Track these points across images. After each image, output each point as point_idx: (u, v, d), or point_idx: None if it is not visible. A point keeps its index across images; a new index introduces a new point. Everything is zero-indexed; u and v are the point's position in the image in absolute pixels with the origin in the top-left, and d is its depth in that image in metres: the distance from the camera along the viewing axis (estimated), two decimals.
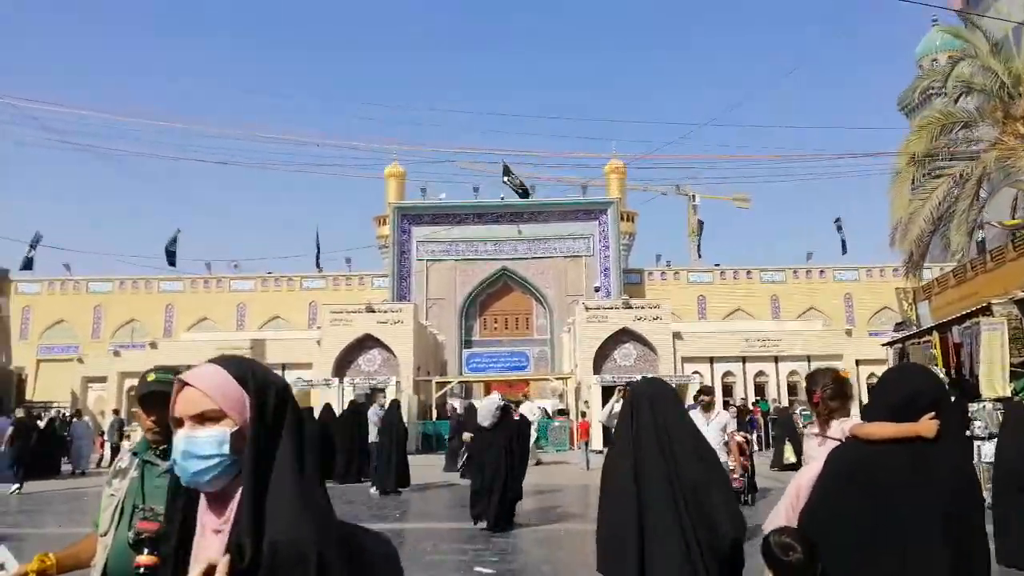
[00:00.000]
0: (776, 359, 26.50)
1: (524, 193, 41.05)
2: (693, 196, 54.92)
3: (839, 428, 3.48)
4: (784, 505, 3.32)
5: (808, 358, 26.44)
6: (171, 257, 42.12)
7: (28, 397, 34.63)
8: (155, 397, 3.02)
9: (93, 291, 43.13)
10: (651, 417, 2.85)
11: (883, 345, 20.02)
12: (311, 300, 41.32)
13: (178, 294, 43.01)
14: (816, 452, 3.49)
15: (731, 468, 10.36)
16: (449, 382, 28.33)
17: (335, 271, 44.15)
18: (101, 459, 21.32)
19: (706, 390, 9.10)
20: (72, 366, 31.78)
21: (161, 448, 3.07)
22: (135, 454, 3.15)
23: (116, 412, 22.93)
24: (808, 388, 3.86)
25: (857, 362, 26.45)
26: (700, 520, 2.67)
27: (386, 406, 16.92)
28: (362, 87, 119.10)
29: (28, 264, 43.21)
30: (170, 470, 2.99)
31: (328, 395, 23.38)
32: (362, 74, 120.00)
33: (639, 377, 20.06)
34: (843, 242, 42.40)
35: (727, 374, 26.56)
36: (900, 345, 17.86)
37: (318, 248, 45.00)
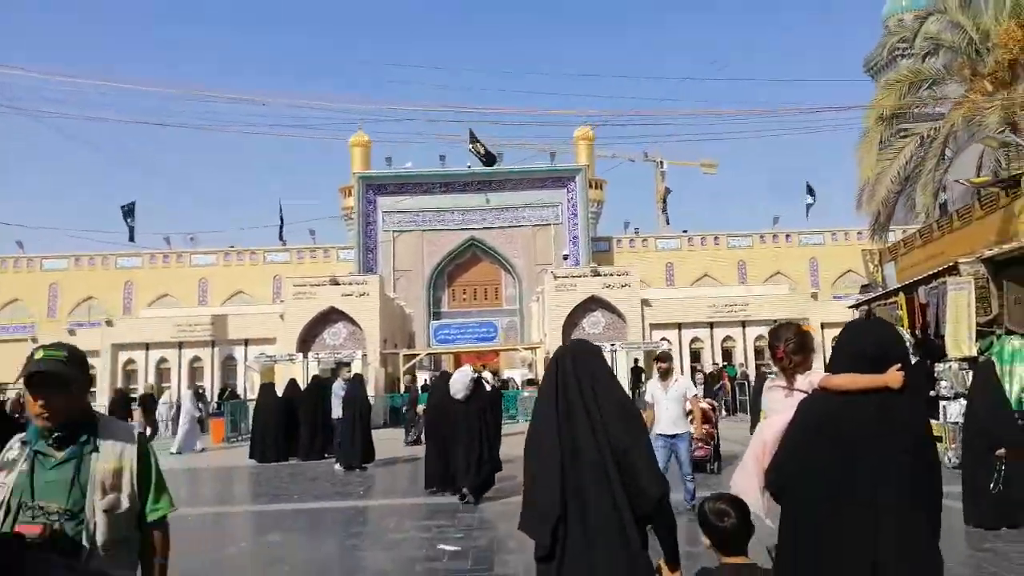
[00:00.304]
0: (743, 324, 26.50)
1: (491, 160, 40.29)
2: (661, 162, 54.75)
3: (805, 381, 3.46)
4: (750, 459, 3.32)
5: (775, 322, 26.36)
6: (130, 232, 40.89)
7: None
8: (44, 378, 2.56)
9: (48, 268, 41.75)
10: (575, 377, 2.75)
11: (849, 307, 20.02)
12: (275, 274, 40.42)
13: (137, 270, 41.82)
14: (780, 405, 3.48)
15: (695, 437, 9.83)
16: (417, 355, 27.91)
17: (299, 244, 43.29)
18: None
19: (663, 356, 8.65)
20: (26, 346, 30.78)
21: (55, 436, 2.62)
22: (24, 443, 2.69)
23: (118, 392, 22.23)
24: (771, 344, 3.83)
25: (822, 325, 26.55)
26: (626, 479, 2.61)
27: (351, 380, 16.46)
28: (319, 51, 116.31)
29: None
30: (66, 461, 2.41)
31: (293, 370, 22.87)
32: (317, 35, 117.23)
33: (608, 345, 19.70)
34: (807, 206, 42.60)
35: (695, 340, 26.52)
36: (866, 307, 17.81)
37: (281, 220, 44.05)
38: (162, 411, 25.43)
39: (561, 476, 2.64)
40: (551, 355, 3.34)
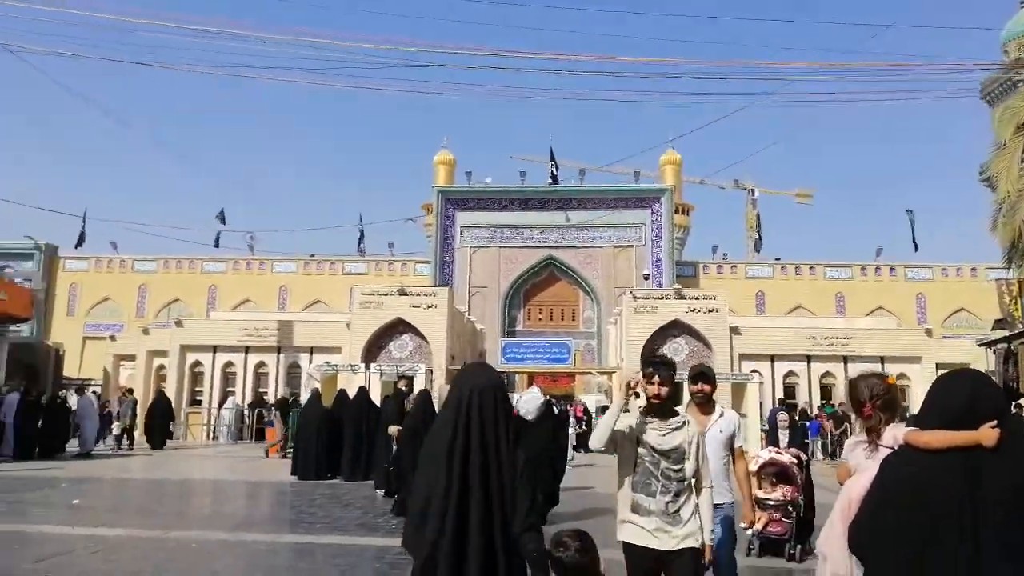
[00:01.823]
0: (845, 359, 23.52)
1: (554, 180, 38.99)
2: (752, 190, 51.86)
3: (890, 435, 3.09)
4: (837, 517, 3.15)
5: (881, 359, 23.39)
6: (217, 238, 41.29)
7: (67, 374, 33.90)
8: None
9: (138, 270, 42.47)
10: (477, 406, 2.88)
11: (980, 345, 17.08)
12: (352, 284, 39.66)
13: (220, 275, 42.01)
14: (864, 464, 3.17)
15: (762, 503, 7.18)
16: None
17: (377, 256, 42.59)
18: (118, 442, 19.90)
19: (701, 374, 4.79)
20: (105, 344, 30.82)
21: None
22: None
23: (130, 392, 21.46)
24: (854, 396, 3.37)
25: (937, 366, 23.32)
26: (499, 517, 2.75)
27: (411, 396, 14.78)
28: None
29: (81, 240, 42.87)
30: None
31: (355, 381, 21.47)
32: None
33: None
34: (914, 239, 38.81)
35: (789, 374, 23.71)
36: (1005, 345, 14.95)
37: (361, 232, 43.56)
38: (225, 416, 24.61)
39: (445, 507, 2.77)
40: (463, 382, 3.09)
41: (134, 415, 20.32)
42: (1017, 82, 47.82)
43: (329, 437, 14.21)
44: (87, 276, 42.48)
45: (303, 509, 10.48)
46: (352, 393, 15.35)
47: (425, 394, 11.29)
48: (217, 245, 41.20)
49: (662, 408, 3.65)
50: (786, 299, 38.13)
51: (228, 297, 40.59)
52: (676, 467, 3.53)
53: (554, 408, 11.43)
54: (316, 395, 15.04)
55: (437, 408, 12.80)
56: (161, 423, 20.93)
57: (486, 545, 2.70)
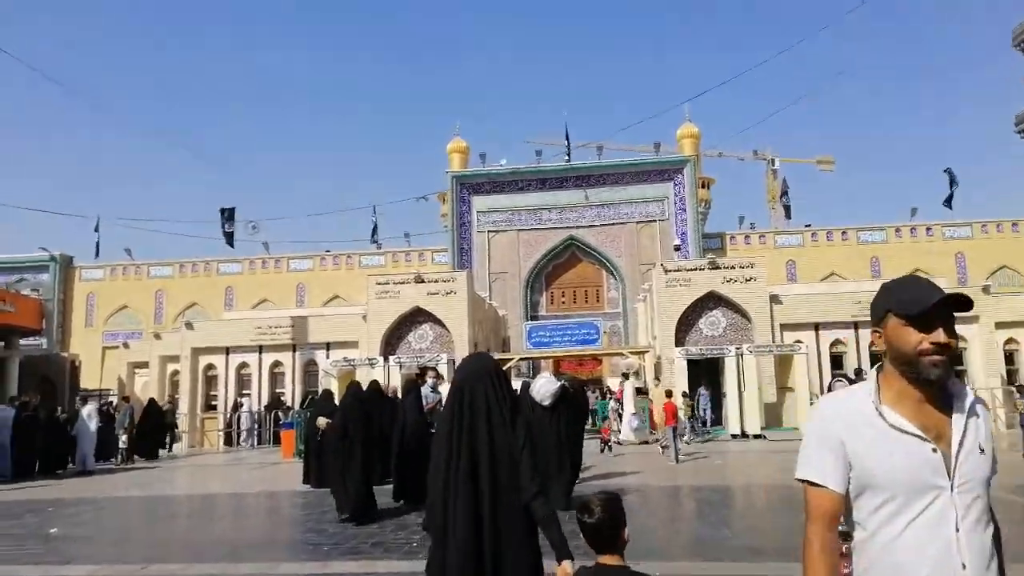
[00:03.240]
0: None
1: (570, 159, 37.05)
2: (772, 160, 49.64)
3: None
4: None
5: None
6: (228, 237, 39.72)
7: (87, 385, 32.79)
8: None
9: (154, 276, 41.24)
10: (469, 397, 3.07)
11: None
12: (370, 277, 38.14)
13: (237, 276, 40.66)
14: None
15: None
16: (511, 359, 24.43)
17: (394, 247, 41.00)
18: (121, 455, 18.41)
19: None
20: (118, 352, 29.57)
21: None
22: None
23: (126, 400, 19.95)
24: None
25: (996, 325, 21.26)
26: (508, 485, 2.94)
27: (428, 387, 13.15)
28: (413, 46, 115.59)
29: (96, 249, 41.71)
30: None
31: (374, 376, 19.87)
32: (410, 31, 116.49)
33: (732, 349, 15.63)
34: (950, 196, 36.27)
35: (836, 343, 21.72)
36: None
37: (375, 223, 41.90)
38: (244, 420, 23.17)
39: (444, 484, 3.00)
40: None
41: (132, 425, 18.85)
42: None
43: (343, 436, 12.58)
44: (103, 285, 41.36)
45: (310, 526, 8.82)
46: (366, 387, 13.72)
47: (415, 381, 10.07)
48: (232, 244, 39.70)
49: None
50: (819, 266, 36.00)
51: (245, 297, 39.29)
52: None
53: (569, 392, 10.44)
54: (327, 393, 13.37)
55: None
56: (153, 432, 19.37)
57: (483, 518, 2.91)
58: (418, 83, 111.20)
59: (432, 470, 3.09)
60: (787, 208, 41.70)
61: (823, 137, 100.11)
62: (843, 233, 37.22)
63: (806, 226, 38.09)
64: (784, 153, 49.86)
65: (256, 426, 22.83)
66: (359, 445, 9.04)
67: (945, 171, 35.64)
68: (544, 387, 9.55)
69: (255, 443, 22.49)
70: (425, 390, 15.03)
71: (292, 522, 9.51)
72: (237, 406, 22.85)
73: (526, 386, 10.56)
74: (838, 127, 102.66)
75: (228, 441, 22.50)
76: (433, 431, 9.46)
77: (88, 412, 16.48)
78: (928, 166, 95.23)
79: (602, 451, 15.59)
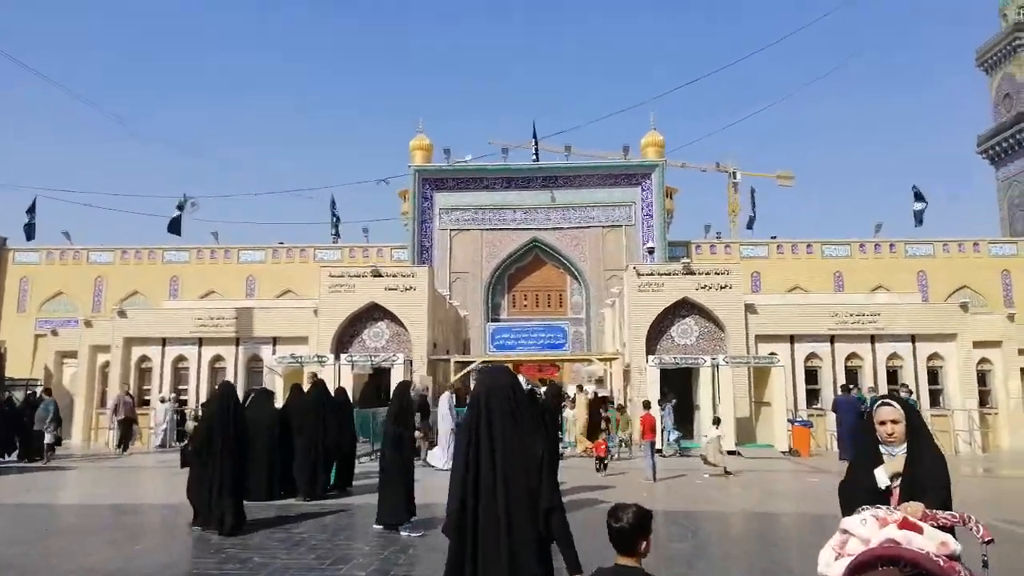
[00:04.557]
0: (872, 338, 20.48)
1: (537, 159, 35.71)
2: (734, 173, 49.14)
3: None
4: None
5: (912, 337, 20.43)
6: (174, 225, 37.09)
7: (16, 375, 29.96)
8: None
9: (94, 262, 38.33)
10: (486, 409, 3.20)
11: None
12: (323, 269, 35.99)
13: (184, 265, 38.04)
14: None
15: None
16: (471, 362, 22.76)
17: (351, 242, 38.93)
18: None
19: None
20: (46, 340, 26.94)
21: None
22: None
23: (48, 393, 17.63)
24: None
25: (974, 344, 20.43)
26: (527, 501, 3.06)
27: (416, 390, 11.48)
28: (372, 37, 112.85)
29: (30, 232, 38.68)
30: None
31: (323, 374, 17.99)
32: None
33: (708, 359, 14.40)
34: (916, 213, 35.91)
35: (811, 356, 20.60)
36: None
37: (335, 217, 39.82)
38: (161, 414, 20.74)
39: (464, 496, 3.15)
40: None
41: (58, 422, 16.61)
42: (1017, 47, 45.35)
43: (283, 444, 10.77)
44: (38, 269, 38.30)
45: (232, 555, 7.00)
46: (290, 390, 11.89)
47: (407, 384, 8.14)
48: (179, 232, 37.05)
49: None
50: (783, 279, 35.22)
51: (192, 288, 36.75)
52: None
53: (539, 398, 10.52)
54: (265, 392, 11.52)
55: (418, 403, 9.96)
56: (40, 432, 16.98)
57: (500, 524, 3.04)
58: (383, 80, 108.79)
59: (451, 479, 3.28)
60: (751, 219, 41.02)
61: (785, 151, 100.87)
62: (808, 246, 36.56)
63: (772, 238, 37.35)
64: (745, 167, 49.43)
65: (177, 424, 20.51)
66: (223, 456, 8.20)
67: (913, 187, 35.32)
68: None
69: (170, 444, 19.95)
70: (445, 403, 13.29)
71: (194, 549, 7.63)
72: (162, 401, 20.54)
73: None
74: (801, 142, 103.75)
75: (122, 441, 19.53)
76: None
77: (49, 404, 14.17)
78: (891, 183, 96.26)
79: (598, 470, 13.49)
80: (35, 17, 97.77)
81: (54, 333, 26.51)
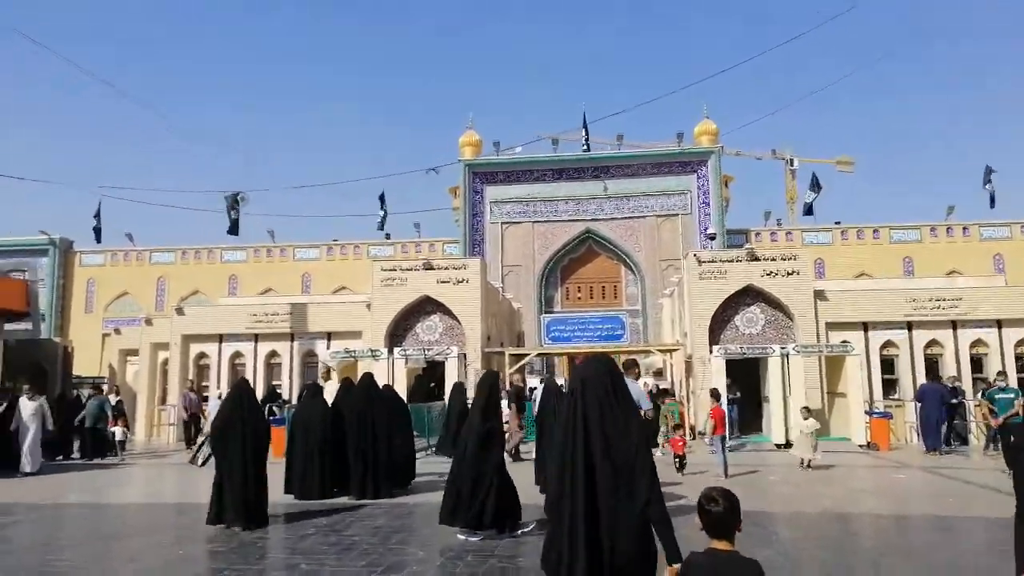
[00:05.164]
0: (954, 324, 19.01)
1: (588, 149, 34.58)
2: (791, 160, 47.27)
3: None
4: None
5: (998, 323, 18.88)
6: (233, 227, 37.48)
7: (84, 372, 30.64)
8: None
9: (156, 262, 39.11)
10: (584, 399, 3.26)
11: None
12: (376, 263, 35.84)
13: (241, 264, 38.47)
14: None
15: None
16: (526, 354, 22.08)
17: (404, 238, 38.70)
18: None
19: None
20: (110, 340, 27.36)
21: None
22: None
23: (98, 390, 17.62)
24: None
25: None
26: (624, 489, 3.11)
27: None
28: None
29: (98, 235, 39.63)
30: None
31: (376, 369, 17.60)
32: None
33: (777, 349, 13.55)
34: (991, 195, 33.67)
35: (887, 344, 19.24)
36: None
37: (384, 212, 39.60)
38: (212, 410, 20.55)
39: (571, 487, 3.22)
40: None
41: (107, 416, 16.54)
42: None
43: (335, 441, 10.28)
44: (104, 271, 39.29)
45: (277, 560, 6.46)
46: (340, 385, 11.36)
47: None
48: (236, 232, 37.39)
49: None
50: (848, 265, 33.51)
51: (250, 286, 37.09)
52: None
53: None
54: (315, 387, 11.04)
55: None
56: (92, 429, 16.81)
57: (600, 511, 3.14)
58: (431, 76, 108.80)
59: (551, 466, 3.70)
60: (809, 206, 39.21)
61: (845, 137, 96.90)
62: (875, 231, 34.70)
63: (836, 223, 35.58)
64: (803, 154, 47.44)
65: None
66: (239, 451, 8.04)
67: (987, 168, 33.08)
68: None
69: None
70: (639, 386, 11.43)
71: (237, 554, 7.12)
72: (219, 397, 20.40)
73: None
74: (863, 127, 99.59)
75: (191, 440, 19.38)
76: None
77: (35, 405, 14.05)
78: (963, 167, 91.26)
79: (679, 468, 12.13)
80: (78, 16, 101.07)
81: (117, 332, 26.88)
